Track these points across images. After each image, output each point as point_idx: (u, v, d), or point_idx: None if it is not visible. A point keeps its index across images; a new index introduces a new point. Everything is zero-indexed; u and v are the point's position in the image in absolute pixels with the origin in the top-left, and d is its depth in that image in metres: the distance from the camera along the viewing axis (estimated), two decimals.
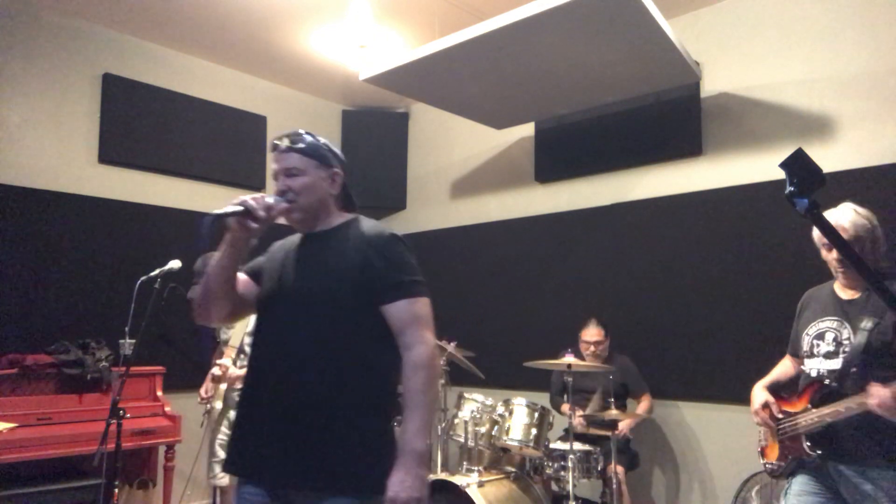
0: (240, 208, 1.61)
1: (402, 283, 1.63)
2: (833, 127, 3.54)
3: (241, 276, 1.77)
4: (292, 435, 1.55)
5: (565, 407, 3.69)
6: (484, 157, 5.22)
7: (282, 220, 1.74)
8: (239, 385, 3.31)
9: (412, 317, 1.62)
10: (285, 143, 1.71)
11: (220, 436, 3.45)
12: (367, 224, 1.75)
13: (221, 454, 3.42)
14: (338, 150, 1.79)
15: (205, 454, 3.58)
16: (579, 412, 3.48)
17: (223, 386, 3.45)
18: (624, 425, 3.62)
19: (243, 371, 3.33)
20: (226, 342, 3.54)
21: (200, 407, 3.62)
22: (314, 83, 5.31)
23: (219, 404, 3.46)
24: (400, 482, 1.49)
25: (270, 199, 1.65)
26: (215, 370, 3.32)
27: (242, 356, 3.44)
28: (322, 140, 1.76)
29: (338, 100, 5.68)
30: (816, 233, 2.19)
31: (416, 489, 1.49)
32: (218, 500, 3.61)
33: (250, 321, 3.46)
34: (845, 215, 2.15)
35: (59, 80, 4.16)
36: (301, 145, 1.71)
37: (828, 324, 2.18)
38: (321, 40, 4.50)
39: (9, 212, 3.86)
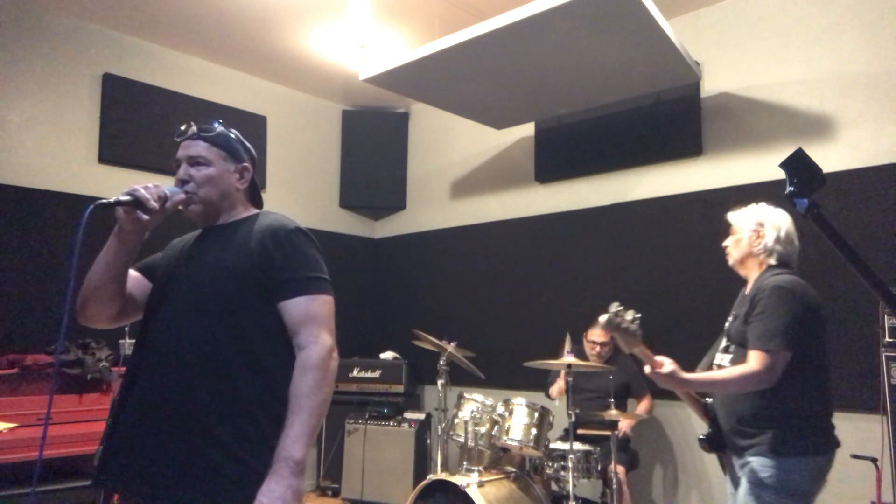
0: (129, 198, 1.47)
1: (300, 279, 1.51)
2: (833, 127, 3.54)
3: (133, 274, 1.65)
4: (174, 444, 1.41)
5: (553, 390, 3.73)
6: (484, 157, 5.22)
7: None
8: None
9: (307, 315, 1.49)
10: (193, 129, 1.60)
11: None
12: (270, 217, 1.61)
13: None
14: (249, 145, 1.70)
15: None
16: (560, 381, 3.48)
17: None
18: (624, 424, 3.62)
19: None
20: None
21: None
22: (314, 83, 5.31)
23: None
24: (269, 491, 1.35)
25: (166, 190, 1.51)
26: None
27: None
28: (234, 132, 1.67)
29: (338, 100, 5.68)
30: (728, 217, 2.35)
31: (285, 499, 1.35)
32: None
33: None
34: (739, 211, 2.33)
35: (59, 80, 4.16)
36: (210, 134, 1.60)
37: (729, 319, 2.31)
38: (321, 40, 4.50)
39: (9, 212, 3.86)
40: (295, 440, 1.39)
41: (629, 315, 2.12)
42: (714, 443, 2.22)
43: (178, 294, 1.53)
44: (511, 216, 4.92)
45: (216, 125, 1.63)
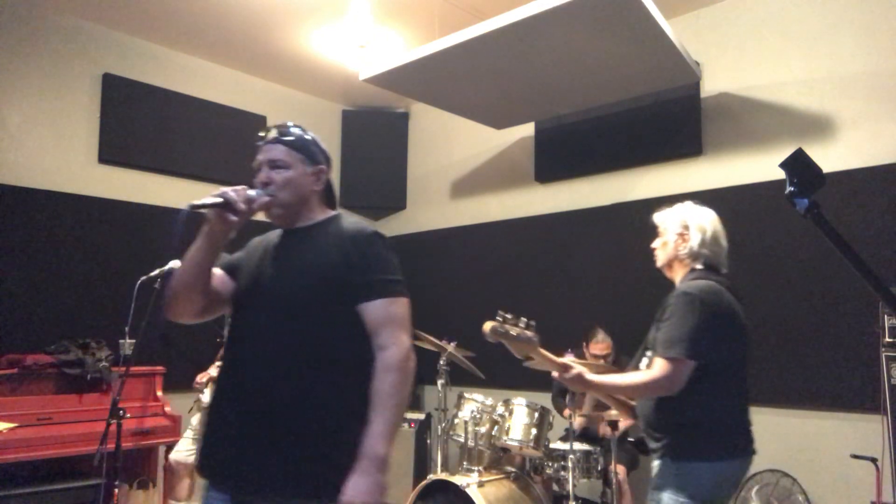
0: (219, 200, 1.54)
1: (379, 281, 1.58)
2: (833, 127, 3.54)
3: (217, 272, 1.70)
4: (259, 439, 1.50)
5: (567, 412, 3.70)
6: (484, 157, 5.22)
7: (261, 216, 1.68)
8: None
9: (388, 317, 1.56)
10: (273, 133, 1.67)
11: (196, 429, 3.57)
12: (349, 221, 1.69)
13: (190, 434, 3.54)
14: (325, 148, 1.74)
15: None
16: (580, 413, 3.48)
17: None
18: (622, 425, 3.61)
19: None
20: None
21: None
22: (314, 83, 5.31)
23: (209, 397, 3.45)
24: (354, 485, 1.43)
25: (252, 192, 1.58)
26: (213, 369, 3.34)
27: None
28: (311, 135, 1.72)
29: (338, 100, 5.68)
30: (654, 218, 2.33)
31: (371, 494, 1.43)
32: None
33: None
34: (663, 211, 2.30)
35: (59, 80, 4.16)
36: (289, 138, 1.66)
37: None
38: (321, 40, 4.50)
39: (9, 212, 3.86)
40: (378, 437, 1.46)
41: (522, 322, 2.12)
42: (642, 446, 2.22)
43: (264, 295, 1.60)
44: (511, 216, 4.92)
45: (294, 128, 1.69)
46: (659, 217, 2.31)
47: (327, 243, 1.61)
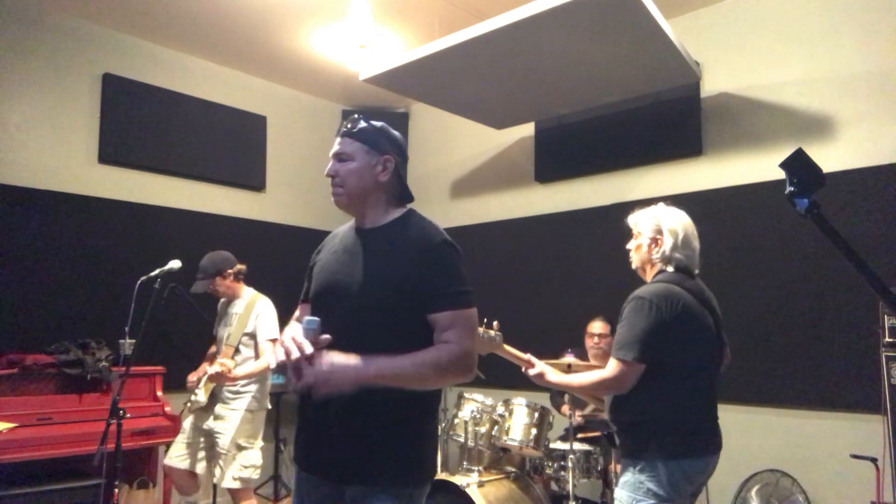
0: (286, 377, 1.66)
1: (448, 294, 1.62)
2: (833, 127, 3.54)
3: (305, 308, 1.82)
4: (335, 434, 1.61)
5: (565, 408, 3.69)
6: (484, 157, 5.22)
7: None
8: (230, 385, 3.36)
9: (455, 324, 1.62)
10: (344, 127, 1.73)
11: (195, 422, 3.46)
12: (419, 225, 1.72)
13: (181, 437, 3.45)
14: (397, 137, 1.77)
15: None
16: (579, 412, 3.48)
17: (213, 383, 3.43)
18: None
19: (242, 372, 3.37)
20: (223, 340, 3.51)
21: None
22: (314, 83, 5.31)
23: (204, 398, 3.42)
24: (335, 358, 1.50)
25: (303, 338, 1.53)
26: (215, 367, 3.29)
27: (237, 354, 3.44)
28: (379, 124, 1.75)
29: (338, 100, 5.68)
30: (629, 219, 2.39)
31: (338, 376, 1.49)
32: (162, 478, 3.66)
33: (249, 322, 3.47)
34: (637, 214, 2.35)
35: (59, 80, 4.16)
36: (353, 129, 1.71)
37: None
38: (321, 40, 4.50)
39: (9, 212, 3.86)
40: (381, 365, 1.52)
41: (485, 323, 2.22)
42: (612, 440, 2.29)
43: (339, 300, 1.66)
44: (511, 216, 4.92)
45: (361, 120, 1.73)
46: (633, 219, 2.35)
47: (397, 250, 1.66)
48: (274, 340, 3.43)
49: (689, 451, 2.03)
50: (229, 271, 3.50)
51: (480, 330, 2.22)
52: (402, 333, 1.61)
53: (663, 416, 2.02)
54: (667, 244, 2.19)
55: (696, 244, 2.24)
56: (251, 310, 3.48)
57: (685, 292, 2.10)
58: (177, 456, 3.43)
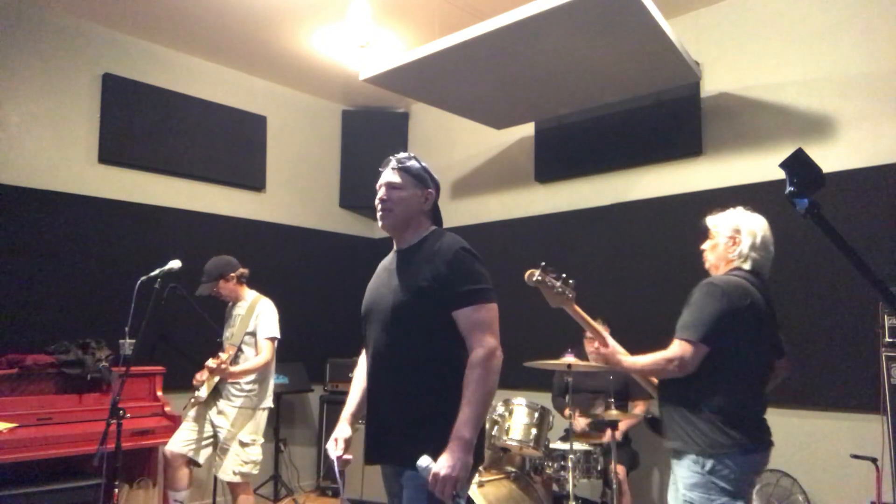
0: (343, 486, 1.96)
1: (465, 292, 1.86)
2: (833, 127, 3.54)
3: None
4: (380, 425, 1.91)
5: (568, 412, 3.69)
6: (484, 157, 5.22)
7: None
8: (232, 380, 3.46)
9: (474, 323, 1.84)
10: (394, 163, 2.04)
11: (197, 413, 3.52)
12: (442, 238, 1.98)
13: (185, 426, 3.51)
14: (435, 176, 2.10)
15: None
16: (581, 417, 3.47)
17: (216, 378, 3.50)
18: (622, 426, 3.61)
19: (239, 368, 3.44)
20: (227, 340, 3.59)
21: None
22: (314, 83, 5.31)
23: (204, 392, 3.49)
24: (442, 461, 1.71)
25: (345, 456, 1.99)
26: (210, 362, 3.37)
27: (241, 353, 3.51)
28: (423, 164, 2.08)
29: (338, 100, 5.68)
30: (707, 221, 2.40)
31: (456, 470, 1.69)
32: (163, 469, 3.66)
33: (250, 322, 3.51)
34: (717, 216, 2.36)
35: (59, 80, 4.16)
36: (406, 165, 2.03)
37: None
38: (321, 40, 4.50)
39: (9, 212, 3.86)
40: (465, 423, 1.74)
41: (562, 277, 2.29)
42: (655, 427, 2.30)
43: (377, 312, 1.96)
44: (511, 216, 4.92)
45: (411, 158, 2.06)
46: (712, 220, 2.37)
47: (423, 262, 1.92)
48: (273, 339, 3.53)
49: (756, 446, 2.05)
50: (232, 275, 3.58)
51: (552, 282, 2.32)
52: (430, 333, 1.86)
53: (732, 410, 2.03)
54: (745, 243, 2.23)
55: (772, 249, 2.26)
56: (253, 310, 3.56)
57: (755, 290, 2.13)
58: (180, 441, 3.47)
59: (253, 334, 3.52)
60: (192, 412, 3.54)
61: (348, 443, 2.02)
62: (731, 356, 2.04)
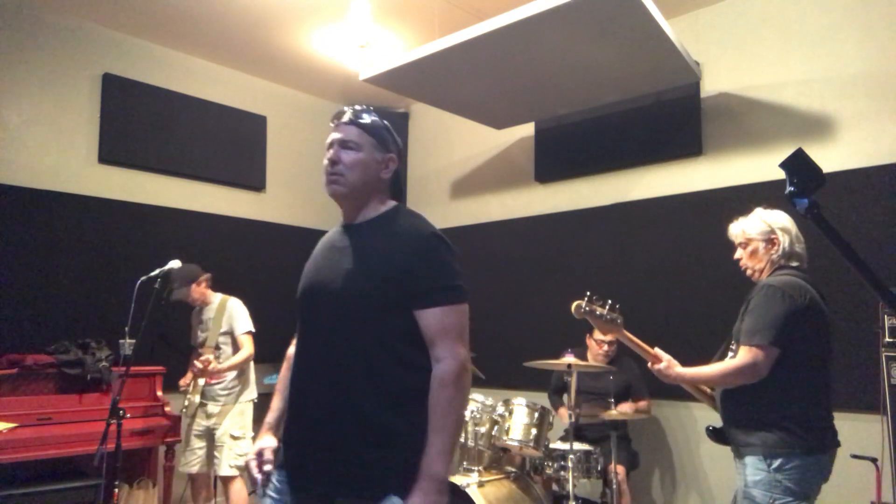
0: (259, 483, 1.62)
1: (435, 288, 1.53)
2: (833, 127, 3.54)
3: None
4: (318, 443, 1.53)
5: (563, 411, 3.69)
6: (484, 157, 5.22)
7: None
8: (217, 380, 3.61)
9: (443, 327, 1.52)
10: (348, 115, 1.66)
11: (196, 427, 3.67)
12: (408, 219, 1.63)
13: (195, 444, 3.66)
14: (398, 138, 1.73)
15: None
16: (577, 412, 3.47)
17: (201, 381, 3.64)
18: (624, 407, 3.61)
19: (225, 365, 3.56)
20: (202, 343, 3.70)
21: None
22: (314, 83, 5.30)
23: (197, 398, 3.64)
24: None
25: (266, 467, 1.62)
26: (196, 363, 3.57)
27: (218, 353, 3.66)
28: (385, 122, 1.71)
29: (338, 100, 5.68)
30: (730, 232, 2.37)
31: None
32: (189, 486, 3.82)
33: (223, 321, 3.66)
34: (739, 223, 2.33)
35: (59, 80, 4.16)
36: (364, 121, 1.65)
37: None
38: (321, 40, 4.50)
39: (9, 212, 3.86)
40: (437, 456, 1.45)
41: (608, 305, 2.24)
42: (719, 436, 2.26)
43: (326, 296, 1.57)
44: (511, 216, 4.92)
45: (370, 112, 1.67)
46: (737, 228, 2.34)
47: (384, 244, 1.57)
48: (250, 333, 3.68)
49: (824, 447, 2.05)
50: (202, 278, 3.74)
51: (601, 311, 2.22)
52: (387, 331, 1.51)
53: (800, 411, 2.03)
54: (784, 241, 2.22)
55: (803, 240, 2.28)
56: (224, 310, 3.70)
57: (811, 287, 2.14)
58: (188, 464, 3.66)
59: (229, 333, 3.67)
60: (187, 430, 3.69)
61: (276, 454, 1.64)
62: (798, 356, 2.05)
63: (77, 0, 4.05)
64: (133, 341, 3.48)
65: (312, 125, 5.58)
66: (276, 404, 1.71)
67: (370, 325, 1.51)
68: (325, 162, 1.64)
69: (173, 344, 4.04)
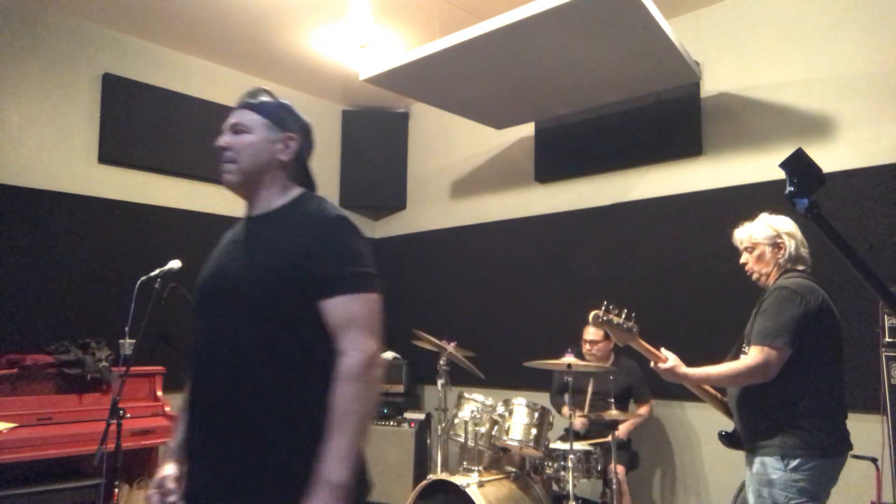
0: None
1: (341, 275, 1.38)
2: (833, 127, 3.54)
3: None
4: (212, 451, 1.39)
5: (565, 410, 3.69)
6: (484, 157, 5.22)
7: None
8: None
9: (349, 317, 1.36)
10: (244, 98, 1.57)
11: None
12: (315, 204, 1.51)
13: None
14: (304, 119, 1.61)
15: None
16: (579, 413, 3.48)
17: None
18: (622, 428, 3.61)
19: None
20: None
21: None
22: (314, 83, 5.30)
23: None
24: None
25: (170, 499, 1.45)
26: None
27: None
28: (284, 101, 1.59)
29: (338, 100, 5.68)
30: (736, 237, 2.39)
31: None
32: None
33: None
34: (745, 228, 2.35)
35: (59, 80, 4.16)
36: (255, 101, 1.55)
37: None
38: (321, 40, 4.50)
39: (9, 212, 3.86)
40: (335, 460, 1.28)
41: (623, 314, 2.24)
42: (732, 440, 2.27)
43: (220, 294, 1.45)
44: (511, 216, 4.92)
45: (263, 93, 1.58)
46: (742, 233, 2.36)
47: (288, 231, 1.44)
48: None
49: (840, 449, 2.07)
50: None
51: (618, 320, 2.24)
52: (289, 331, 1.37)
53: (817, 414, 2.04)
54: (790, 245, 2.24)
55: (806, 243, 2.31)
56: None
57: (822, 289, 2.15)
58: None
59: None
60: None
61: (179, 482, 1.46)
62: (813, 359, 2.06)
63: (77, 0, 4.05)
64: (133, 341, 3.47)
65: (312, 125, 5.57)
66: (180, 426, 1.51)
67: (266, 323, 1.38)
68: (217, 150, 1.54)
69: (173, 344, 4.03)
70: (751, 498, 2.14)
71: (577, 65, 3.61)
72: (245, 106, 1.56)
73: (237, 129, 1.53)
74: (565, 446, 3.33)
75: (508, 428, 3.44)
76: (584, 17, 3.08)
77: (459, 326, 4.72)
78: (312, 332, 1.38)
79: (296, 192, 1.56)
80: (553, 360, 3.42)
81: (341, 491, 1.27)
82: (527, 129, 4.85)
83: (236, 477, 1.35)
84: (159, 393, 3.98)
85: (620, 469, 3.41)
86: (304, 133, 1.60)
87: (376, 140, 5.70)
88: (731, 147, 3.89)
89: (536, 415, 3.43)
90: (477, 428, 3.51)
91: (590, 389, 3.46)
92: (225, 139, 1.53)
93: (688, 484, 3.90)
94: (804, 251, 2.26)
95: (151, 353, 3.90)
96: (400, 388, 4.92)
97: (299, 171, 1.60)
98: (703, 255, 3.85)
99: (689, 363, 2.28)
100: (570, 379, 3.35)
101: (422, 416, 4.77)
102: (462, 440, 3.52)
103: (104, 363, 3.75)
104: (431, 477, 3.43)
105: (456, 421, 3.60)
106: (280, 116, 1.55)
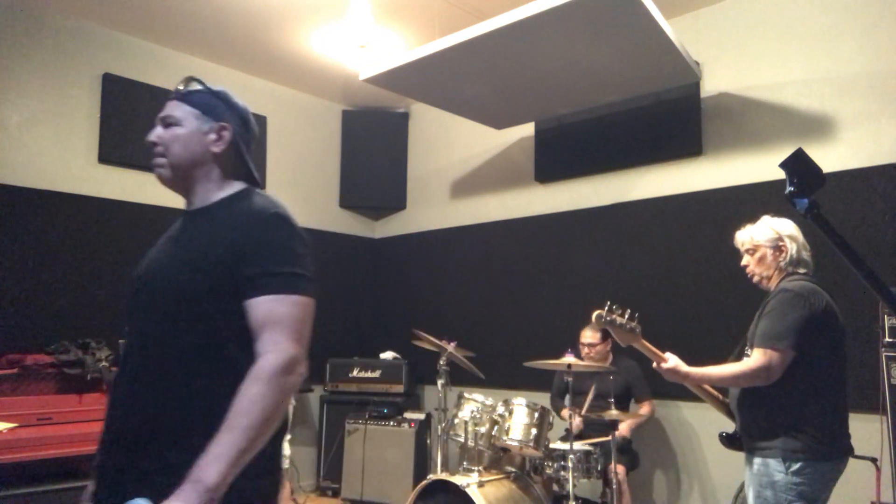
0: None
1: (269, 274, 1.28)
2: (833, 127, 3.54)
3: None
4: (120, 465, 1.28)
5: (565, 412, 3.69)
6: (484, 157, 5.22)
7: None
8: None
9: (272, 318, 1.26)
10: (176, 89, 1.49)
11: None
12: (253, 200, 1.40)
13: None
14: (241, 106, 1.50)
15: None
16: (578, 413, 3.48)
17: None
18: (624, 426, 3.61)
19: None
20: None
21: None
22: (314, 83, 5.31)
23: None
24: None
25: None
26: None
27: None
28: (219, 89, 1.49)
29: (338, 100, 5.68)
30: (737, 239, 2.39)
31: None
32: None
33: None
34: (747, 230, 2.34)
35: (59, 80, 4.16)
36: (187, 91, 1.47)
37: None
38: (321, 40, 4.50)
39: (9, 212, 3.86)
40: (214, 460, 1.13)
41: (626, 314, 2.23)
42: (733, 442, 2.27)
43: (146, 295, 1.36)
44: (511, 216, 4.92)
45: (195, 82, 1.48)
46: (744, 235, 2.36)
47: (220, 227, 1.35)
48: None
49: (841, 452, 2.07)
50: None
51: (621, 320, 2.24)
52: (208, 331, 1.28)
53: (820, 417, 2.05)
54: (792, 248, 2.24)
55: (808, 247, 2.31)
56: None
57: (824, 291, 2.15)
58: None
59: None
60: None
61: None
62: (816, 361, 2.06)
63: (77, 0, 4.05)
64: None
65: (312, 125, 5.58)
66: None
67: (193, 326, 1.29)
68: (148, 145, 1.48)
69: None
70: (750, 498, 2.14)
71: (577, 65, 3.61)
72: (176, 97, 1.47)
73: (167, 122, 1.45)
74: (565, 446, 3.33)
75: (508, 428, 3.44)
76: (584, 17, 3.08)
77: (459, 326, 4.72)
78: (232, 333, 1.29)
79: (235, 186, 1.46)
80: (553, 360, 3.42)
81: (209, 494, 1.11)
82: (527, 129, 4.85)
83: (129, 480, 1.25)
84: None
85: (620, 469, 3.41)
86: (242, 121, 1.49)
87: (376, 140, 5.70)
88: (731, 147, 3.89)
89: (536, 415, 3.43)
90: (477, 428, 3.51)
91: (591, 394, 3.45)
92: (155, 133, 1.46)
93: (688, 484, 3.90)
94: (806, 254, 2.26)
95: None
96: (400, 388, 4.92)
97: (239, 163, 1.48)
98: (703, 255, 3.85)
99: (688, 363, 2.28)
100: (570, 379, 3.35)
101: (422, 416, 4.77)
102: (462, 440, 3.52)
103: (104, 363, 3.75)
104: (431, 477, 3.43)
105: (456, 421, 3.60)
106: (211, 105, 1.45)
